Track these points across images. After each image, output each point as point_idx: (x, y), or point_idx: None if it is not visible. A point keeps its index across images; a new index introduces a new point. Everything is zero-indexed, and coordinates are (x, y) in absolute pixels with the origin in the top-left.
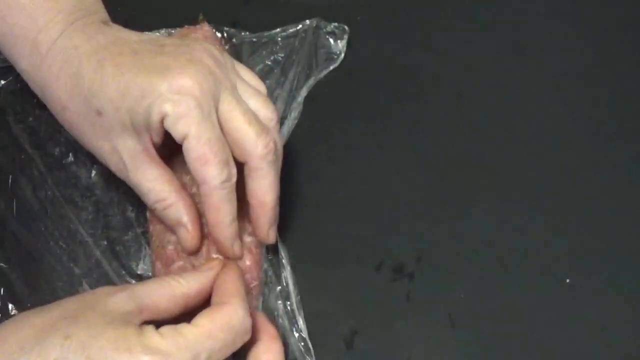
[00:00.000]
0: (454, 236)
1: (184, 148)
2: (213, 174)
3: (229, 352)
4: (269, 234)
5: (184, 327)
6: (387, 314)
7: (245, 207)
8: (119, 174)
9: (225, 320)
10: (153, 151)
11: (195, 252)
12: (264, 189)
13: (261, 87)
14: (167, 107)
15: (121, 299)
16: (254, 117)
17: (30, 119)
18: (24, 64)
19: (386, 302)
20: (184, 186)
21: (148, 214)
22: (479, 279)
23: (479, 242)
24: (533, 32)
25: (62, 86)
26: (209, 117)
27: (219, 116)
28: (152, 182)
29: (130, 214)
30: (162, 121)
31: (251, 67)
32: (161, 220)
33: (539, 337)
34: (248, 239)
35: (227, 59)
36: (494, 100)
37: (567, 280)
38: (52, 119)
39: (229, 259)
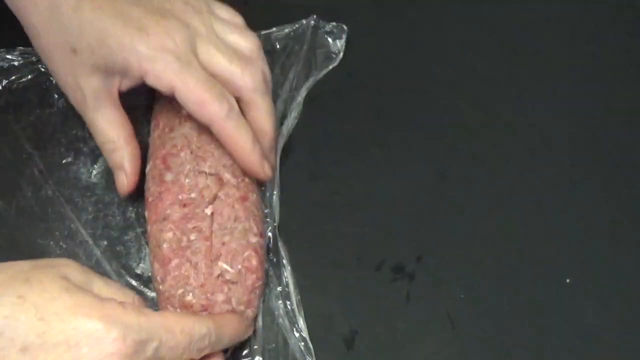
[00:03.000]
0: (454, 236)
1: (178, 99)
2: (214, 109)
3: (176, 356)
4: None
5: (147, 310)
6: (387, 314)
7: (250, 203)
8: (77, 107)
9: (190, 326)
10: (116, 94)
11: (126, 195)
12: (262, 117)
13: (238, 19)
14: (146, 66)
15: (78, 270)
16: (235, 54)
17: (31, 118)
18: None
19: (386, 302)
20: (181, 204)
21: (147, 214)
22: (479, 279)
23: (479, 242)
24: (533, 32)
25: (38, 14)
26: (189, 64)
27: (201, 63)
28: (107, 123)
29: (130, 214)
30: (141, 77)
31: None
32: (156, 220)
33: (539, 337)
34: (254, 239)
35: (202, 0)
36: (493, 100)
37: (567, 280)
38: (53, 119)
39: (263, 181)
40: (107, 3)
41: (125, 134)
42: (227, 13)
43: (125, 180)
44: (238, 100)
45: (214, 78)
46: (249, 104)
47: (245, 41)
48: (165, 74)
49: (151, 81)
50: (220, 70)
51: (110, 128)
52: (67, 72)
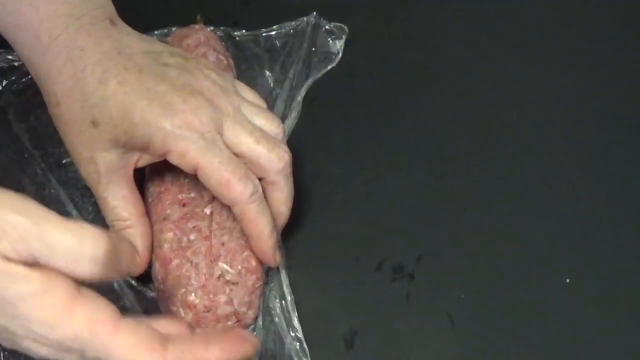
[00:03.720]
0: (454, 236)
1: (201, 178)
2: (238, 191)
3: None
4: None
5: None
6: (387, 314)
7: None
8: (88, 181)
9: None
10: (131, 170)
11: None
12: (282, 199)
13: (261, 102)
14: (170, 143)
15: None
16: (261, 135)
17: (32, 118)
18: (25, 52)
19: (386, 302)
20: (181, 203)
21: None
22: (479, 279)
23: (479, 242)
24: (533, 31)
25: (61, 83)
26: (214, 143)
27: (227, 142)
28: (119, 200)
29: None
30: (163, 155)
31: (250, 66)
32: (157, 221)
33: (539, 337)
34: None
35: (228, 81)
36: (493, 100)
37: (567, 280)
38: None
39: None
40: (133, 78)
41: (137, 212)
42: (252, 95)
43: (138, 260)
44: (261, 180)
45: (239, 158)
46: (272, 184)
47: (271, 124)
48: (189, 152)
49: (174, 159)
50: (247, 150)
51: (122, 206)
52: (83, 144)
